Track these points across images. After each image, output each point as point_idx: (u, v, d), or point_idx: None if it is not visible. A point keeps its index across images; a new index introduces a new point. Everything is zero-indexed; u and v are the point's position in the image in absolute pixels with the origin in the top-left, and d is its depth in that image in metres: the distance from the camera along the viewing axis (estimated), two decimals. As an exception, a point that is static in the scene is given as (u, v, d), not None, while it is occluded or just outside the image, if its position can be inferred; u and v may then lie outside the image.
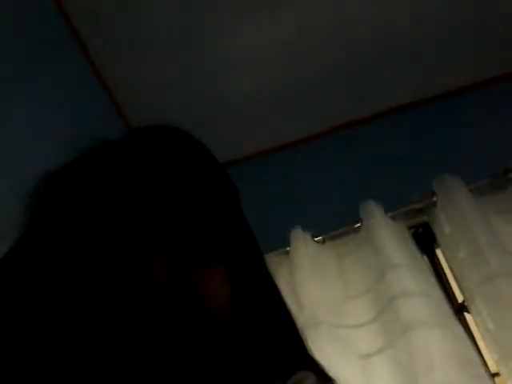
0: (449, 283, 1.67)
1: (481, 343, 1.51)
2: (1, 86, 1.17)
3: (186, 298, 0.46)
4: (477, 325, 1.49)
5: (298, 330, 0.57)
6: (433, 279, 1.57)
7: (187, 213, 0.48)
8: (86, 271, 0.43)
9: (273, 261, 1.63)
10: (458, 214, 1.62)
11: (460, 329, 1.45)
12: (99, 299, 0.42)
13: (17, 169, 1.03)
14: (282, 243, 1.72)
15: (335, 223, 1.77)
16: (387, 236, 1.64)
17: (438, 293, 1.53)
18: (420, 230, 1.77)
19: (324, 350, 1.43)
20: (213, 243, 0.49)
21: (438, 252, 1.73)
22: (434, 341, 1.39)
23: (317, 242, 1.76)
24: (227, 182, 0.54)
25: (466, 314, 1.58)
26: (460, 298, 1.62)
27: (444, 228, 1.65)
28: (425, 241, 1.75)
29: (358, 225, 1.73)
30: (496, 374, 1.44)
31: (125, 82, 1.79)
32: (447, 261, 1.65)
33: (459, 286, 1.59)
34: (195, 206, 0.49)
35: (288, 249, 1.72)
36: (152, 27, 1.69)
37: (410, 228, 1.75)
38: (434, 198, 1.69)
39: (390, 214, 1.72)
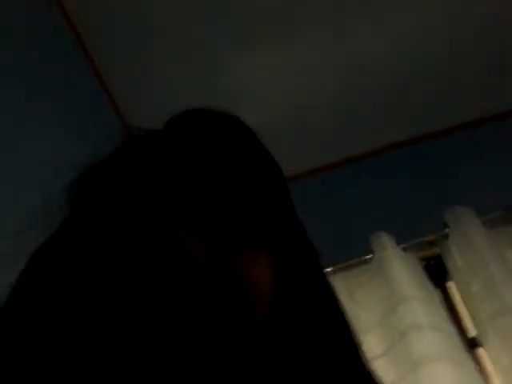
0: (461, 317, 1.64)
1: (494, 379, 1.47)
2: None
3: (224, 280, 0.42)
4: (490, 360, 1.46)
5: (351, 333, 0.49)
6: (445, 313, 1.54)
7: (231, 194, 0.46)
8: (124, 243, 0.42)
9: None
10: (470, 246, 1.59)
11: (472, 364, 1.41)
12: (133, 276, 0.40)
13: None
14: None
15: (346, 255, 1.75)
16: (399, 268, 1.62)
17: (450, 327, 1.50)
18: (432, 262, 1.75)
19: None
20: (258, 227, 0.46)
21: (451, 285, 1.70)
22: (446, 376, 1.36)
23: (327, 273, 1.74)
24: (275, 169, 0.52)
25: (479, 348, 1.55)
26: (473, 333, 1.59)
27: (456, 260, 1.62)
28: (437, 273, 1.72)
29: (370, 256, 1.71)
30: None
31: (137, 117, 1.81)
32: (460, 294, 1.62)
33: (472, 320, 1.56)
34: (240, 187, 0.47)
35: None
36: (164, 58, 1.72)
37: (421, 260, 1.73)
38: (446, 230, 1.67)
39: (401, 246, 1.70)
